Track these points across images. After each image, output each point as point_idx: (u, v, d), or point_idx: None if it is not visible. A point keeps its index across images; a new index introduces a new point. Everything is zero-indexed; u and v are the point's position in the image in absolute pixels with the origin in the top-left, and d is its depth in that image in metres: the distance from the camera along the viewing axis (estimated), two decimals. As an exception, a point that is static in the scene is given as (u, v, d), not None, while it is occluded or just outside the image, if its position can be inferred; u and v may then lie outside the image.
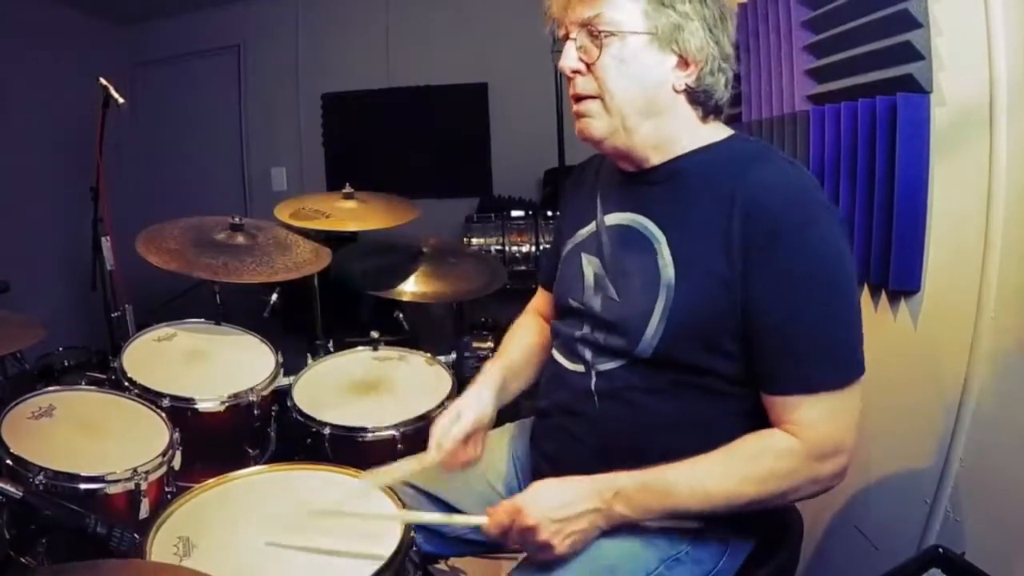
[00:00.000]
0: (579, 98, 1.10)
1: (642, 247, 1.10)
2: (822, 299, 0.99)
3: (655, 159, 1.12)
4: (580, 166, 1.36)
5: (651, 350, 1.06)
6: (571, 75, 1.09)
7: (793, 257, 0.99)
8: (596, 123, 1.09)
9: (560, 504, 1.01)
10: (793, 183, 1.03)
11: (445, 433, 1.19)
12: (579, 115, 1.11)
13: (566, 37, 1.09)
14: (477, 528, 1.10)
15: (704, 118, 1.12)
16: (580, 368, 1.17)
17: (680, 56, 1.06)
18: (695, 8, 1.04)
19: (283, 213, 2.31)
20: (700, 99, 1.09)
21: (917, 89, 1.35)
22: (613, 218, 1.18)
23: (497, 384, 1.29)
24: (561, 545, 1.01)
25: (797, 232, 0.99)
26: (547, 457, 1.25)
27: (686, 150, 1.11)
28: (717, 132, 1.13)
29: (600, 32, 1.04)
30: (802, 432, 1.00)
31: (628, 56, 1.05)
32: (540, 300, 1.47)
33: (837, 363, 1.00)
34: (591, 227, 1.22)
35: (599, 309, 1.15)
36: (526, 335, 1.42)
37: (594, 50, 1.05)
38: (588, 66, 1.07)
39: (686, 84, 1.07)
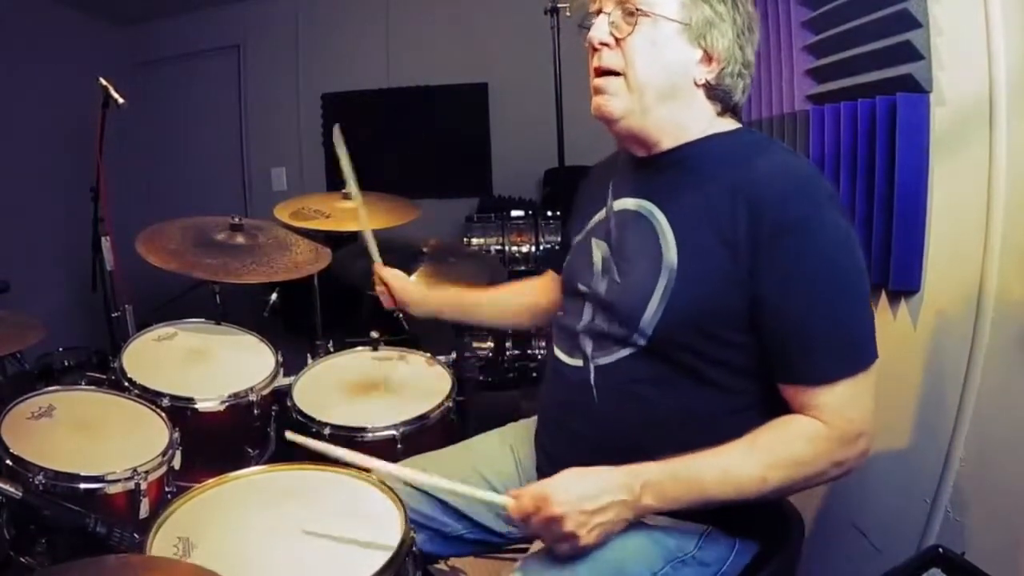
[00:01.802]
0: (601, 72, 1.11)
1: (646, 230, 1.12)
2: (832, 290, 1.00)
3: (666, 144, 1.14)
4: (597, 164, 1.38)
5: (650, 331, 1.07)
6: (599, 47, 1.11)
7: (800, 250, 0.99)
8: (615, 101, 1.11)
9: (589, 494, 1.00)
10: (794, 174, 1.04)
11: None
12: (598, 91, 1.12)
13: (598, 12, 1.11)
14: (497, 508, 1.08)
15: (722, 115, 1.14)
16: (579, 362, 1.17)
17: (705, 52, 1.08)
18: (728, 10, 1.08)
19: (283, 213, 2.31)
20: (719, 96, 1.12)
21: (917, 89, 1.35)
22: (621, 203, 1.19)
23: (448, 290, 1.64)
24: (587, 537, 1.00)
25: (802, 224, 0.99)
26: (548, 454, 1.25)
27: (694, 138, 1.13)
28: (727, 125, 1.15)
29: (637, 11, 1.07)
30: (826, 417, 1.00)
31: (659, 39, 1.08)
32: (544, 278, 1.52)
33: (853, 350, 1.01)
34: (602, 214, 1.23)
35: (603, 292, 1.16)
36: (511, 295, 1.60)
37: (626, 27, 1.08)
38: (617, 41, 1.09)
39: (707, 79, 1.10)
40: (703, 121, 1.13)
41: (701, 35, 1.07)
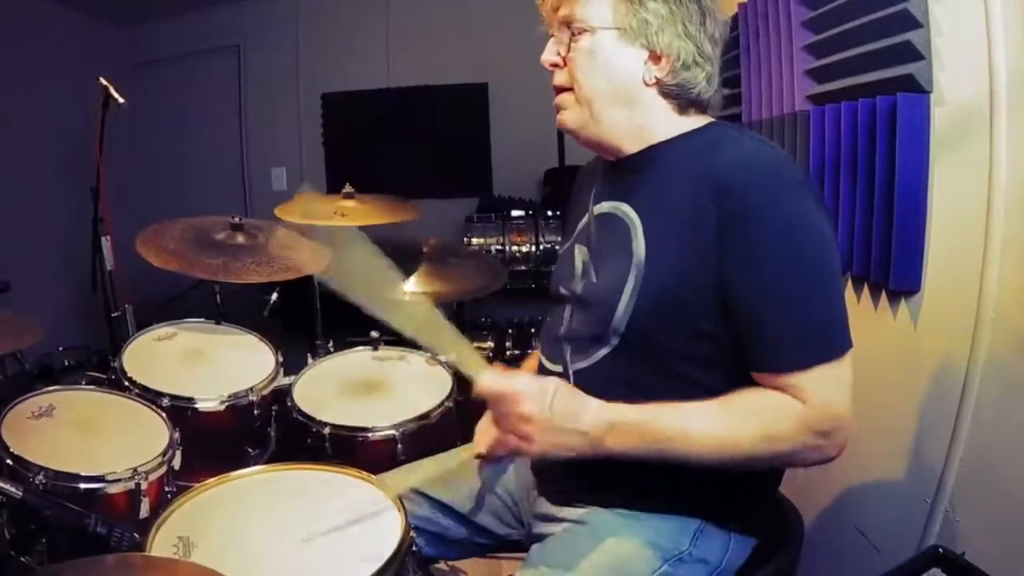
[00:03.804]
0: (557, 91, 1.16)
1: (620, 230, 1.12)
2: (797, 276, 0.98)
3: (630, 147, 1.14)
4: (581, 172, 1.37)
5: (623, 327, 1.07)
6: (550, 68, 1.16)
7: (762, 235, 0.98)
8: (569, 114, 1.15)
9: (564, 413, 0.98)
10: (758, 161, 1.03)
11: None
12: (557, 107, 1.17)
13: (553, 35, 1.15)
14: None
15: (683, 111, 1.13)
16: (559, 368, 1.18)
17: (651, 50, 1.08)
18: (667, 6, 1.07)
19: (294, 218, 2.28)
20: (673, 92, 1.11)
21: (917, 89, 1.35)
22: (600, 207, 1.20)
23: None
24: (539, 444, 0.98)
25: (763, 210, 0.98)
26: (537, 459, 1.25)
27: (662, 138, 1.13)
28: (697, 122, 1.14)
29: (576, 28, 1.10)
30: (802, 396, 0.98)
31: (596, 49, 1.10)
32: None
33: (820, 337, 0.99)
34: (585, 220, 1.24)
35: (580, 292, 1.18)
36: None
37: (569, 45, 1.11)
38: (564, 60, 1.13)
39: (656, 77, 1.09)
40: (663, 121, 1.12)
41: (641, 35, 1.07)
